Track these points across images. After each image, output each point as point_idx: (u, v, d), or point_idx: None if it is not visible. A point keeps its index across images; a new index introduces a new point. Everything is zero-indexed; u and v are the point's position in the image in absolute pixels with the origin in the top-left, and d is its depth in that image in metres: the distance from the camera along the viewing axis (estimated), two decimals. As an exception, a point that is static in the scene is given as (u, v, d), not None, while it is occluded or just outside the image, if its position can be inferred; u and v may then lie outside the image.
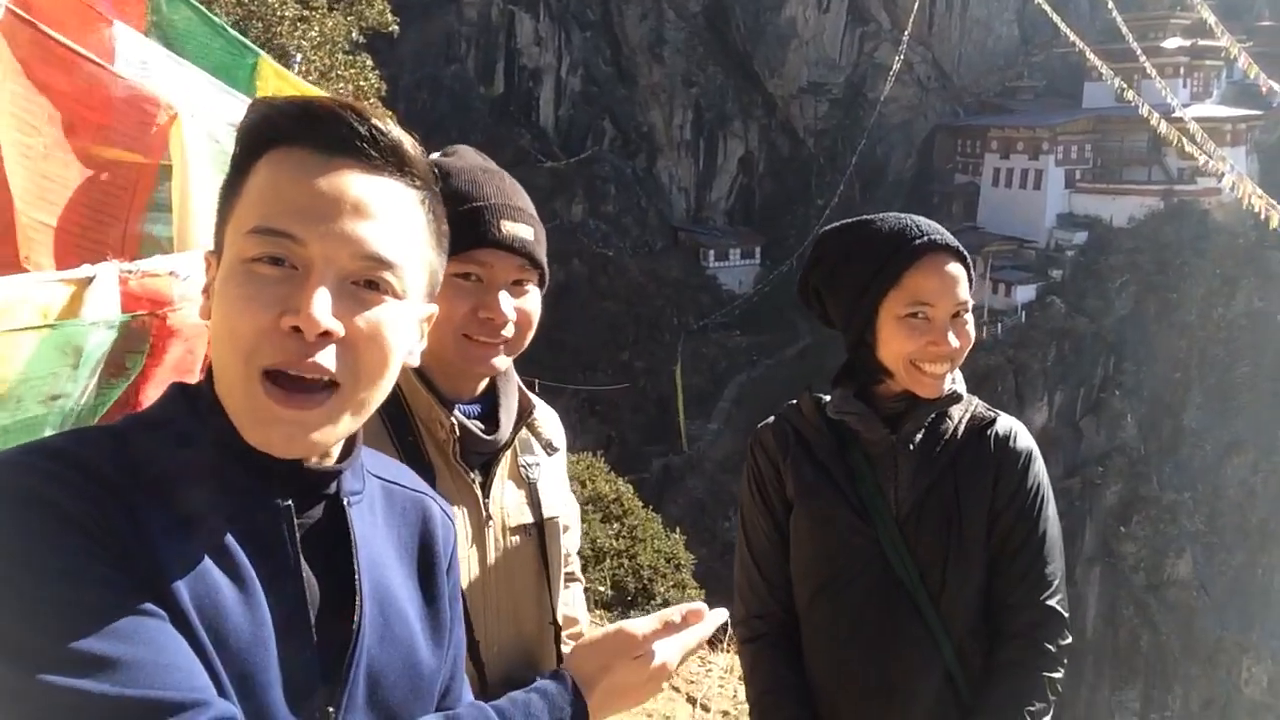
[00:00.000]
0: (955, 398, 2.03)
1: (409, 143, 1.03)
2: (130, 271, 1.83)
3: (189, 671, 0.85)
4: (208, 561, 0.91)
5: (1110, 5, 32.50)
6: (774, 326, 44.26)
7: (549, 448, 1.81)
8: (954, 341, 1.95)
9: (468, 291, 1.58)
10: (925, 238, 1.96)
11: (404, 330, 1.03)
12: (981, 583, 1.98)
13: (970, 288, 2.00)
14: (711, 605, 1.15)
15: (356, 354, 0.97)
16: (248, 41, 2.57)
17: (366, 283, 0.98)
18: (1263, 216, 19.77)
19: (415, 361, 1.10)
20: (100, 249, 1.91)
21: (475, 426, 1.62)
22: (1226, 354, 40.88)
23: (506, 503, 1.70)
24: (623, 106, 49.64)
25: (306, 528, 1.01)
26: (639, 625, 1.08)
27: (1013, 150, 48.93)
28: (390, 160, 1.00)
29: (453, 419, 1.59)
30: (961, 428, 2.03)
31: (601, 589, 9.81)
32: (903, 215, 2.03)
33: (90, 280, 1.75)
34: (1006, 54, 54.17)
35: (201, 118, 2.10)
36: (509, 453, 1.72)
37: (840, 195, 47.95)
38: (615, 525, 12.08)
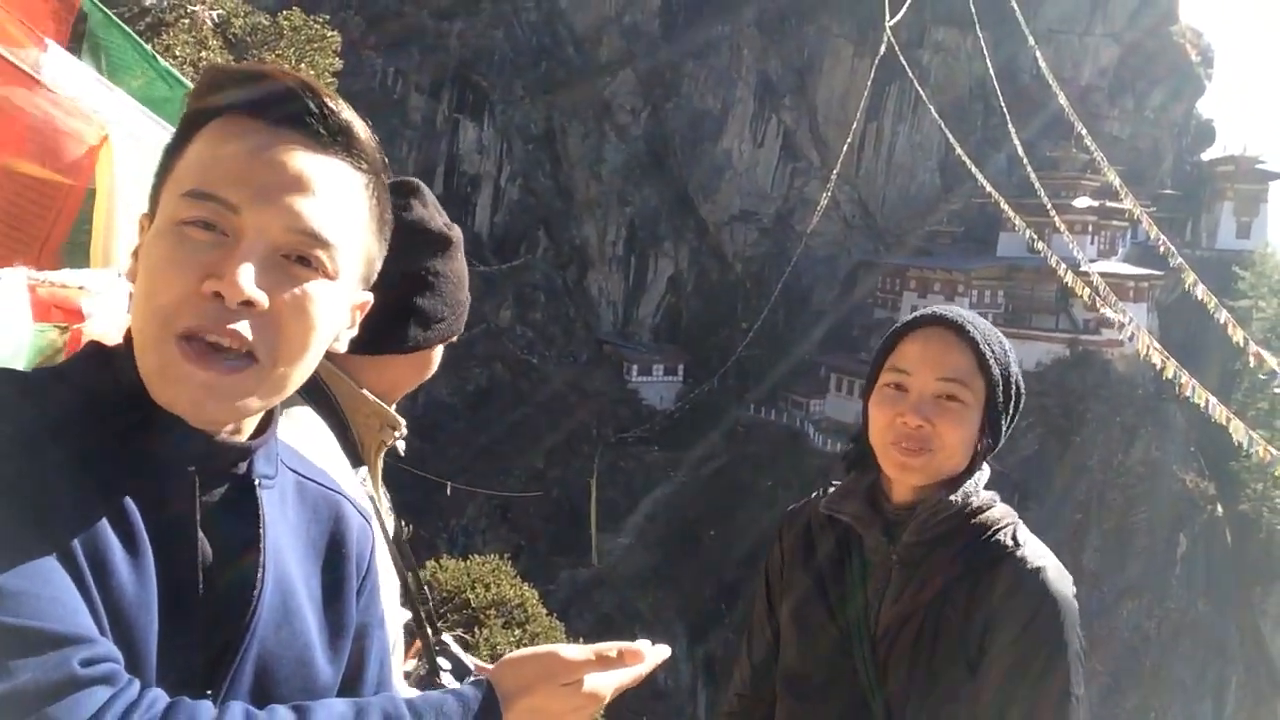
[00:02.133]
0: (947, 505, 1.75)
1: (361, 126, 1.02)
2: (38, 280, 1.83)
3: (74, 610, 0.83)
4: (102, 516, 0.89)
5: (1026, 163, 34.44)
6: (693, 444, 44.36)
7: None
8: (925, 418, 1.71)
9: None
10: (928, 313, 1.79)
11: (332, 311, 1.01)
12: None
13: (991, 382, 1.75)
14: None
15: (279, 328, 0.95)
16: (178, 73, 2.60)
17: (298, 258, 0.96)
18: (1159, 369, 20.81)
19: (343, 348, 1.09)
20: (7, 264, 1.89)
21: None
22: (1124, 500, 42.05)
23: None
24: (558, 219, 50.42)
25: (211, 504, 0.99)
26: (572, 652, 1.04)
27: (930, 290, 50.71)
28: (339, 140, 0.99)
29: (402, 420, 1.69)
30: (974, 550, 1.73)
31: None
32: (943, 305, 1.88)
33: (-5, 285, 1.73)
34: (928, 199, 56.58)
35: (133, 141, 2.12)
36: None
37: (764, 320, 49.01)
38: (517, 631, 11.76)
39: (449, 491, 33.18)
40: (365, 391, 1.65)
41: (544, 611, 12.36)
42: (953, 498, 1.74)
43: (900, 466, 1.74)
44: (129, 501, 0.91)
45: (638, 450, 45.29)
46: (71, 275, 1.93)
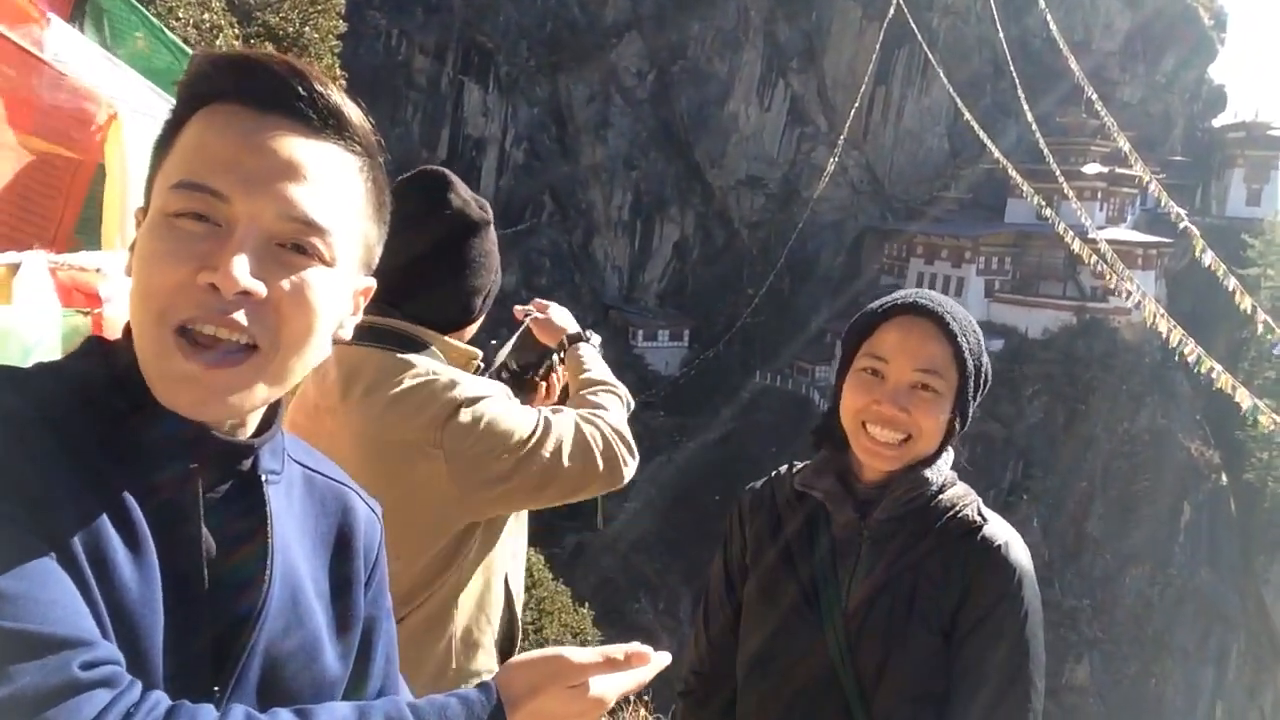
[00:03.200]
0: (923, 483, 1.81)
1: (352, 108, 1.00)
2: (57, 263, 1.82)
3: (74, 611, 0.81)
4: (103, 514, 0.87)
5: (1035, 128, 34.13)
6: (698, 410, 44.48)
7: None
8: (901, 408, 1.76)
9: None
10: (908, 299, 1.82)
11: (333, 298, 0.99)
12: (929, 696, 1.75)
13: (965, 373, 1.80)
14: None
15: (279, 317, 0.93)
16: (184, 45, 2.56)
17: (294, 246, 0.94)
18: (1165, 336, 20.74)
19: (347, 335, 1.06)
20: (24, 247, 1.88)
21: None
22: (1129, 468, 42.14)
23: None
24: (564, 183, 50.18)
25: (216, 501, 0.97)
26: (579, 655, 1.01)
27: (937, 257, 50.53)
28: (330, 124, 0.97)
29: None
30: (941, 526, 1.80)
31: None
32: (919, 290, 1.89)
33: (16, 267, 1.73)
34: (936, 165, 56.24)
35: (142, 118, 2.11)
36: None
37: (770, 286, 48.91)
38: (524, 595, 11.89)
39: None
40: (446, 338, 2.03)
41: (550, 575, 12.43)
42: (927, 473, 1.81)
43: (872, 455, 1.80)
44: (129, 499, 0.90)
45: (644, 416, 45.31)
46: (88, 258, 1.91)
